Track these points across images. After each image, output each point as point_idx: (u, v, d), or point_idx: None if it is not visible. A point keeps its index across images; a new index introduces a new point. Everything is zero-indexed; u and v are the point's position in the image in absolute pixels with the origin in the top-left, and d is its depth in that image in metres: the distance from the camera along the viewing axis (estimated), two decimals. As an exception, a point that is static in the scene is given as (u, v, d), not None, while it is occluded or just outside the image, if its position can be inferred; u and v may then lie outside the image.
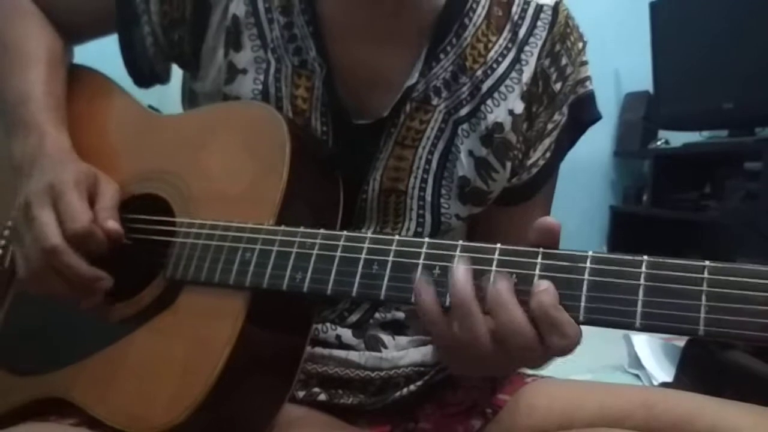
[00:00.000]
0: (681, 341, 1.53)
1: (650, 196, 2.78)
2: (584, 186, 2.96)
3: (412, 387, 0.70)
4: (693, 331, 0.42)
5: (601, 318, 0.44)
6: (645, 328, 0.43)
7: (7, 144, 0.68)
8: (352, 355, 0.68)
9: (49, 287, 0.60)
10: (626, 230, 2.90)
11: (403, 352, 0.69)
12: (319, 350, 0.68)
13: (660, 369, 1.63)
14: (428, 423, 0.65)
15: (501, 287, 0.46)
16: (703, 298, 0.42)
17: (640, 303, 0.43)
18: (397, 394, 0.69)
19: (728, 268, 0.42)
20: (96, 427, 0.57)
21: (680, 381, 1.43)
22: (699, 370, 1.38)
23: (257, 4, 0.67)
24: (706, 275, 0.42)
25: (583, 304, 0.45)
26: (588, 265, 0.46)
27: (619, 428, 0.57)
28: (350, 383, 0.68)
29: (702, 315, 0.41)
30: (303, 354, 0.59)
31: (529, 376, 0.68)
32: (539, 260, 0.47)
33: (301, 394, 0.67)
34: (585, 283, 0.45)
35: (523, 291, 0.46)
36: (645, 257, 0.44)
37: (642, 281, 0.44)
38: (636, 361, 1.69)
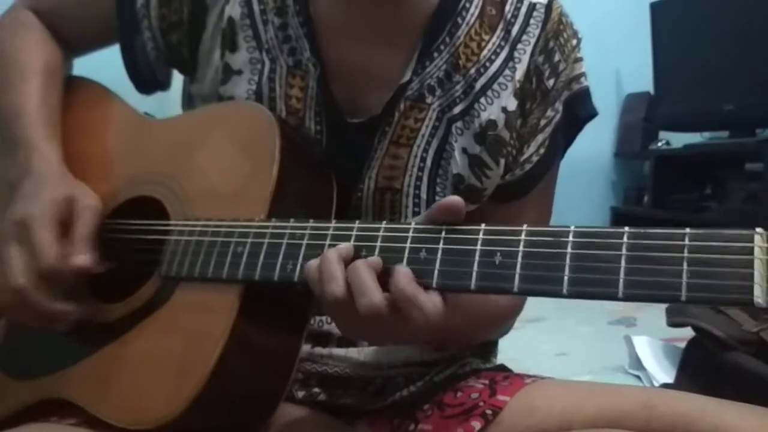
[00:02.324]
0: (682, 342, 1.53)
1: (651, 197, 2.79)
2: (585, 187, 2.97)
3: (412, 388, 0.70)
4: (675, 297, 0.42)
5: (584, 290, 0.45)
6: (627, 298, 0.44)
7: (3, 159, 0.69)
8: (352, 352, 0.68)
9: (21, 317, 0.62)
10: (627, 231, 2.89)
11: (400, 346, 0.69)
12: (318, 350, 0.68)
13: (661, 370, 1.62)
14: (428, 424, 0.65)
15: (361, 270, 0.50)
16: (685, 264, 0.42)
17: (622, 272, 0.44)
18: (397, 394, 0.69)
19: (709, 234, 0.42)
20: (97, 425, 0.57)
21: (681, 382, 1.43)
22: (700, 371, 1.38)
23: (252, 6, 0.67)
24: (687, 242, 0.43)
25: (566, 276, 0.45)
26: (570, 239, 0.46)
27: (619, 429, 0.57)
28: (350, 383, 0.68)
29: (684, 281, 0.42)
30: (299, 348, 0.60)
31: (530, 377, 0.68)
32: (523, 237, 0.48)
33: (300, 394, 0.68)
34: (568, 256, 0.46)
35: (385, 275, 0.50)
36: (626, 228, 0.45)
37: (624, 251, 0.44)
38: (636, 362, 1.69)
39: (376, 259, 0.51)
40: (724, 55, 2.46)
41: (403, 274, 0.49)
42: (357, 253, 0.52)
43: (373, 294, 0.49)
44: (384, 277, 0.50)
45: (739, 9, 2.44)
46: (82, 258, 0.60)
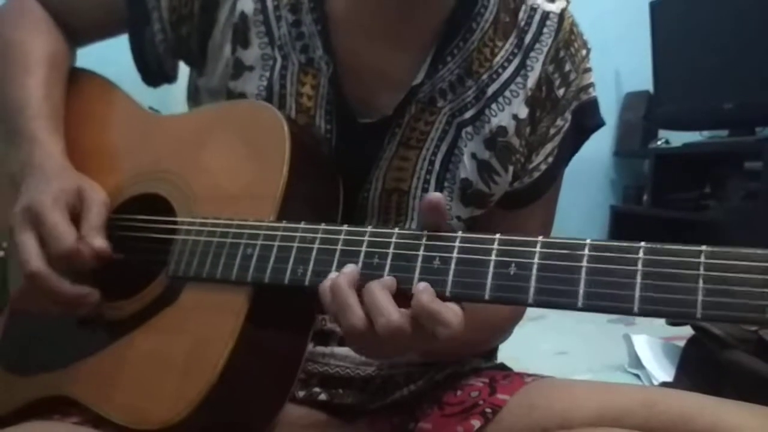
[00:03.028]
0: (681, 341, 1.53)
1: (650, 195, 2.79)
2: (585, 186, 2.96)
3: (412, 387, 0.70)
4: (691, 314, 0.42)
5: (599, 304, 0.45)
6: (643, 313, 0.44)
7: (6, 153, 0.69)
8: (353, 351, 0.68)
9: (38, 304, 0.62)
10: (627, 230, 2.90)
11: None
12: (320, 349, 0.68)
13: (660, 369, 1.62)
14: (428, 423, 0.65)
15: (376, 292, 0.49)
16: (701, 281, 0.42)
17: (638, 288, 0.44)
18: (397, 393, 0.69)
19: (725, 252, 0.42)
20: (100, 424, 0.57)
21: (680, 381, 1.43)
22: (699, 369, 1.38)
23: (266, 2, 0.67)
24: (702, 259, 0.43)
25: (582, 290, 0.45)
26: (586, 252, 0.46)
27: (619, 428, 0.57)
28: (351, 382, 0.69)
29: (699, 298, 0.42)
30: (305, 350, 0.60)
31: (530, 375, 0.68)
32: (538, 249, 0.47)
33: (301, 393, 0.68)
34: (583, 270, 0.46)
35: (404, 290, 0.50)
36: (642, 243, 0.45)
37: (639, 267, 0.44)
38: (636, 361, 1.69)
39: (390, 279, 0.51)
40: (724, 54, 2.46)
41: (423, 290, 0.48)
42: (368, 261, 0.52)
43: (390, 313, 0.48)
44: (398, 296, 0.50)
45: (739, 8, 2.44)
46: (101, 241, 0.60)
